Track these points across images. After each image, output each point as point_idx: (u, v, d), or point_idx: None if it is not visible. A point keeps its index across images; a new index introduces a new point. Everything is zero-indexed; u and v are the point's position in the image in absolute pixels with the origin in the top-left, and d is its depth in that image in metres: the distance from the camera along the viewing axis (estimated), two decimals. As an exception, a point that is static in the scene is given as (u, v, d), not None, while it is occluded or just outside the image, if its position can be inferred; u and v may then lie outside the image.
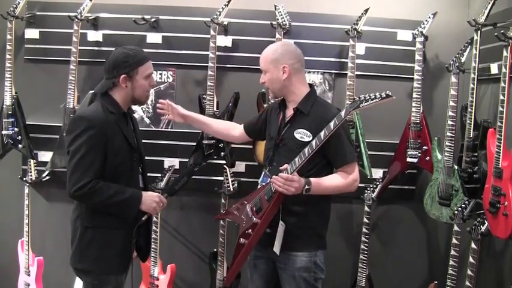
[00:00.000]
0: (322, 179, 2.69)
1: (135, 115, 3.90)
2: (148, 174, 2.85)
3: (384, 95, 2.38)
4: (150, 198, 2.66)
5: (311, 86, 2.86)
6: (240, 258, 2.75)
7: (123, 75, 2.59)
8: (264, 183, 2.83)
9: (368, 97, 2.43)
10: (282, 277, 2.84)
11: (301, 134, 2.72)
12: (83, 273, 2.68)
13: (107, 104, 2.61)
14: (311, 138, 2.65)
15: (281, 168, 2.62)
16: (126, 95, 2.66)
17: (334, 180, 2.71)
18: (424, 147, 3.60)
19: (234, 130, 3.24)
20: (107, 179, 2.54)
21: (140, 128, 3.85)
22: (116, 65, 2.59)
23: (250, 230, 2.71)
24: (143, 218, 2.68)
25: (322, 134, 2.55)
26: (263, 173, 2.89)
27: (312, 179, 2.64)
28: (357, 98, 2.49)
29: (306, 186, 2.60)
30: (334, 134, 2.57)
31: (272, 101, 3.54)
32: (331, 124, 2.53)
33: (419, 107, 3.59)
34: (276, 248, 2.70)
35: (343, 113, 2.50)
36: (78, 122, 2.53)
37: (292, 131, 2.75)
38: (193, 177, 3.03)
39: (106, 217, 2.59)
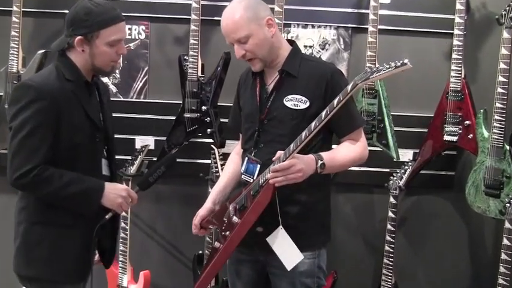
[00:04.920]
0: (334, 151, 2.70)
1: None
2: (116, 157, 2.85)
3: (399, 64, 2.30)
4: (115, 192, 2.60)
5: (293, 41, 2.85)
6: (213, 267, 2.72)
7: (78, 37, 2.51)
8: (250, 174, 2.76)
9: (379, 67, 2.38)
10: (277, 285, 2.82)
11: (294, 101, 2.69)
12: (28, 281, 2.64)
13: (64, 69, 2.56)
14: (308, 104, 2.66)
15: (273, 159, 2.55)
16: (85, 61, 2.59)
17: (347, 152, 2.70)
18: (466, 122, 3.59)
19: (239, 157, 3.05)
20: (61, 165, 2.50)
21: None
22: (74, 22, 2.52)
23: (228, 232, 2.69)
24: (106, 217, 2.62)
25: (335, 100, 2.43)
26: (246, 159, 2.80)
27: (323, 153, 2.60)
28: (368, 69, 2.42)
29: (319, 162, 2.54)
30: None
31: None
32: (338, 97, 2.43)
33: (461, 70, 3.58)
34: (287, 262, 2.63)
35: (349, 87, 2.41)
36: (24, 90, 2.47)
37: (280, 99, 2.71)
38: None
39: (59, 211, 2.55)
